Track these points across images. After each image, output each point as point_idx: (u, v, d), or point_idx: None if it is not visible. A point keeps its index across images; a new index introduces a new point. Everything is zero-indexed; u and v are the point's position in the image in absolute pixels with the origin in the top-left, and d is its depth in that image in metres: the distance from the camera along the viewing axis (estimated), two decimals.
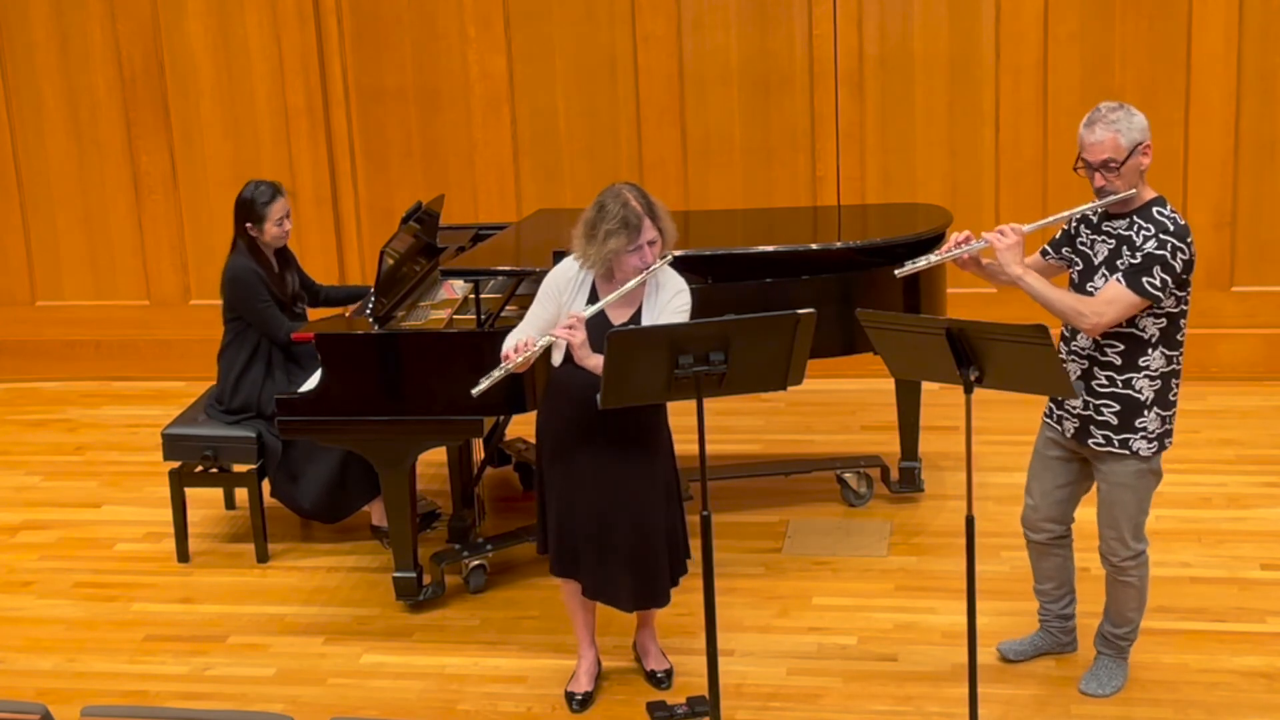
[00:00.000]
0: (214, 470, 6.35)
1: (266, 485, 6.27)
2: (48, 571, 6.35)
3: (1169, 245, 4.57)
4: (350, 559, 6.30)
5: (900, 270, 4.78)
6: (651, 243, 4.82)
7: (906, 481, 6.52)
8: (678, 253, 5.29)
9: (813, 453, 7.01)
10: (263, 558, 6.30)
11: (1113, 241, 4.70)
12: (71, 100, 8.23)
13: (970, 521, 4.57)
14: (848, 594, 5.80)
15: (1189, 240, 4.61)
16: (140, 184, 8.28)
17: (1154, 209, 4.65)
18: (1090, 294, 4.70)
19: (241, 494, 6.58)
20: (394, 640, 5.67)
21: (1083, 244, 4.81)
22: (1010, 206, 7.57)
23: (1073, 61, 7.47)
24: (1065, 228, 4.90)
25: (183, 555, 6.34)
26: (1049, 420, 4.97)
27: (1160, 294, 4.58)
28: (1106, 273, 4.69)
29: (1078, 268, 4.81)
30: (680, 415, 5.06)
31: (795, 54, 7.67)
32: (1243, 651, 5.26)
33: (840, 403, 7.54)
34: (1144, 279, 4.57)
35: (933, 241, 6.04)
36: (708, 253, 6.01)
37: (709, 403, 4.60)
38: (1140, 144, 4.61)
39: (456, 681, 5.39)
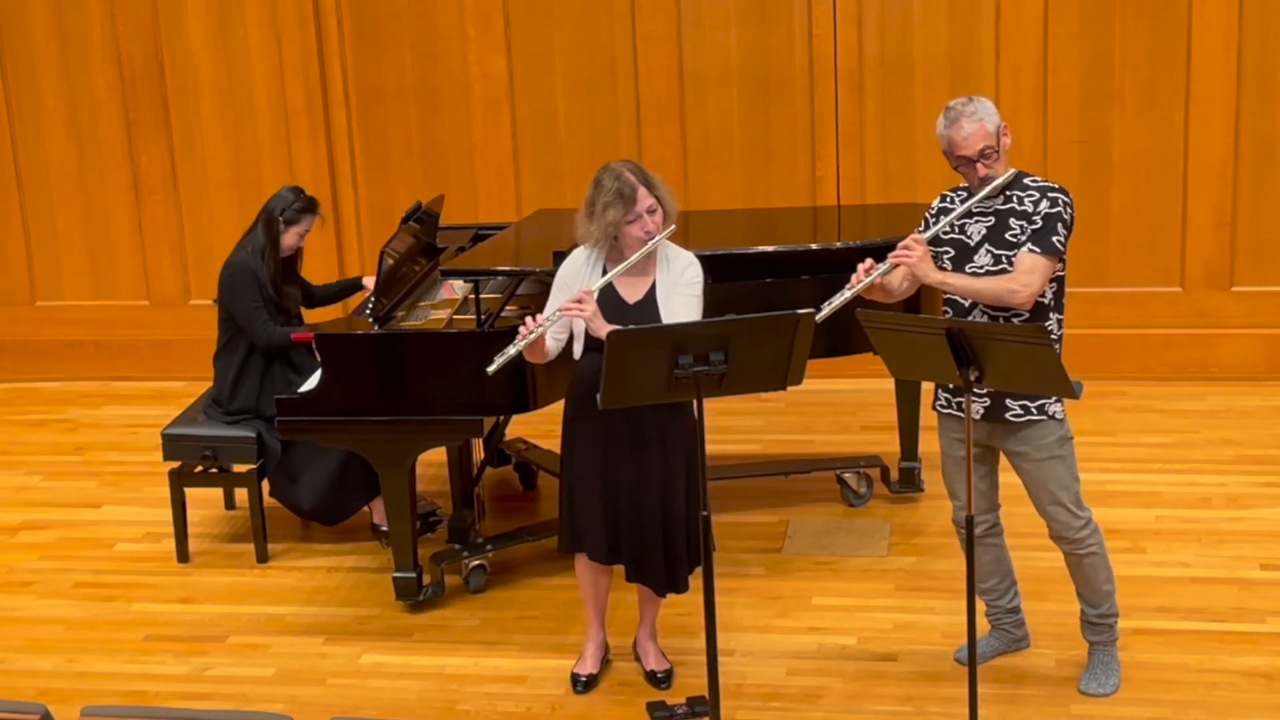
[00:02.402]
0: (214, 470, 6.35)
1: (266, 485, 6.27)
2: (48, 571, 6.35)
3: (1059, 202, 4.75)
4: (350, 559, 6.30)
5: (819, 315, 4.65)
6: (651, 211, 4.87)
7: (906, 481, 6.52)
8: None
9: (813, 453, 7.01)
10: (262, 558, 6.30)
11: (991, 218, 4.80)
12: (71, 100, 8.23)
13: (970, 521, 4.58)
14: (848, 594, 5.80)
15: (1069, 194, 4.80)
16: (140, 184, 8.28)
17: (1024, 179, 4.82)
18: (972, 275, 4.79)
19: (241, 494, 6.58)
20: (394, 640, 5.67)
21: (947, 232, 4.88)
22: None
23: (1073, 61, 7.47)
24: (919, 229, 4.96)
25: (183, 555, 6.34)
26: (948, 412, 4.97)
27: (1065, 248, 4.74)
28: (991, 248, 4.78)
29: (949, 255, 4.88)
30: None
31: (795, 54, 7.67)
32: (1243, 651, 5.26)
33: (840, 403, 7.54)
34: (1052, 239, 4.71)
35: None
36: (708, 253, 5.98)
37: (709, 403, 4.60)
38: (1001, 125, 4.79)
39: (456, 681, 5.39)
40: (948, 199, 4.92)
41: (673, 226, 4.93)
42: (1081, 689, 5.05)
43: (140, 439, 7.56)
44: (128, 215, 8.34)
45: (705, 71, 7.77)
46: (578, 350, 4.99)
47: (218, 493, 6.75)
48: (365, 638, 5.70)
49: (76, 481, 7.23)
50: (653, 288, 4.95)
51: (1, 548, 6.58)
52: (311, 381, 5.87)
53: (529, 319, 4.82)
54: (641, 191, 4.86)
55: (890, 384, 6.38)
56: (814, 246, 6.04)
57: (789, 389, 4.62)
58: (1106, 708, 4.99)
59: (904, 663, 5.31)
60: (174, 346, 8.37)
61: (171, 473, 6.29)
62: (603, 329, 4.76)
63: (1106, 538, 6.00)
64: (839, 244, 6.12)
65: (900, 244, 4.79)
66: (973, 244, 4.82)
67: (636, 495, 5.00)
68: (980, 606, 5.24)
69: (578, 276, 4.98)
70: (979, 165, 4.74)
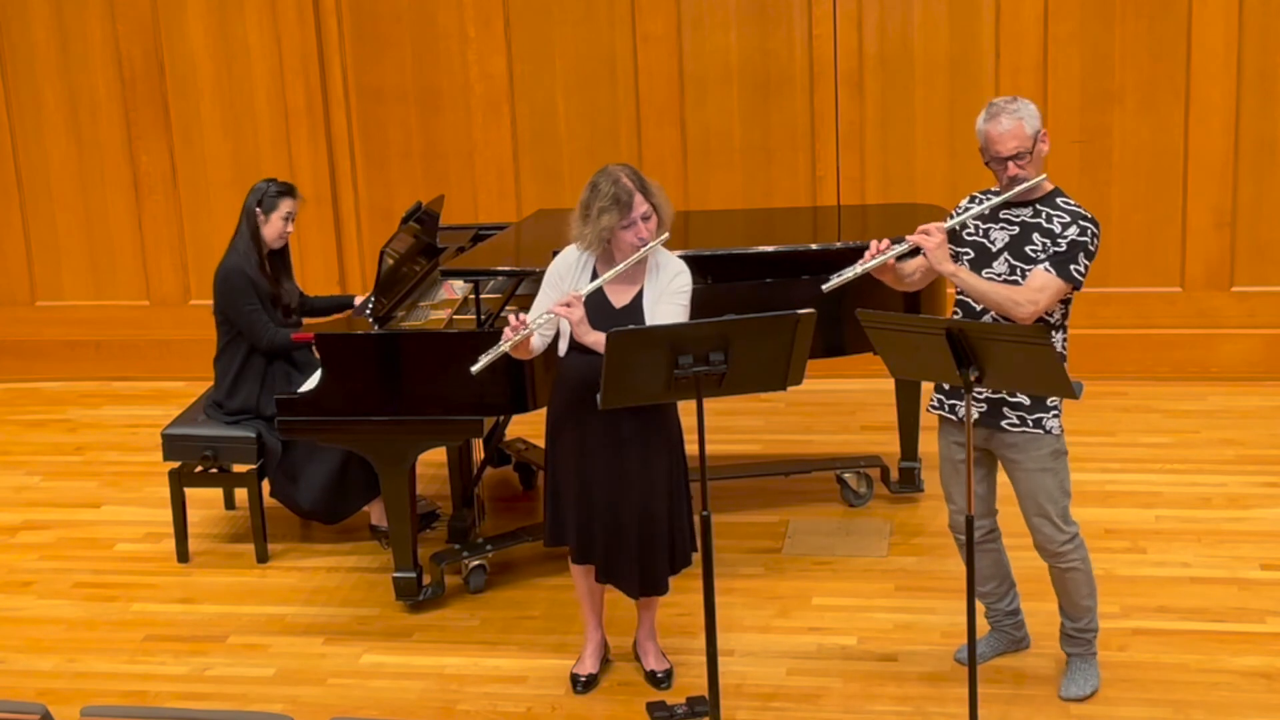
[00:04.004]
0: (214, 470, 6.35)
1: (266, 485, 6.27)
2: (48, 571, 6.35)
3: (1089, 232, 4.72)
4: (350, 559, 6.30)
5: (827, 285, 4.72)
6: (646, 217, 4.86)
7: (906, 481, 6.52)
8: (678, 253, 5.29)
9: (813, 453, 7.01)
10: (263, 558, 6.30)
11: (1015, 228, 4.78)
12: (71, 100, 8.23)
13: (970, 521, 4.58)
14: (848, 594, 5.80)
15: (1098, 225, 4.77)
16: (140, 184, 8.28)
17: (1057, 198, 4.78)
18: (988, 280, 4.77)
19: (241, 494, 6.58)
20: (394, 640, 5.67)
21: (970, 234, 4.86)
22: None
23: (1073, 61, 7.47)
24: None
25: (183, 555, 6.34)
26: (948, 416, 4.96)
27: (1083, 279, 4.72)
28: (1010, 258, 4.76)
29: (969, 257, 4.86)
30: (682, 415, 5.06)
31: (795, 54, 7.67)
32: (1243, 651, 5.26)
33: (840, 403, 7.54)
34: (1071, 266, 4.69)
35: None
36: (708, 253, 6.00)
37: (709, 403, 4.60)
38: (1040, 130, 4.75)
39: (456, 681, 5.39)
40: (976, 199, 4.88)
41: (666, 234, 4.91)
42: (1061, 694, 5.04)
43: (140, 439, 7.56)
44: (128, 215, 8.34)
45: (705, 71, 7.77)
46: (563, 348, 4.99)
47: (218, 493, 6.75)
48: (365, 638, 5.70)
49: (76, 481, 7.23)
50: (640, 293, 4.94)
51: (1, 548, 6.58)
52: (312, 381, 5.88)
53: (512, 317, 4.82)
54: (638, 198, 4.85)
55: (890, 384, 6.38)
56: (814, 246, 6.04)
57: (789, 389, 4.63)
58: (1107, 708, 4.99)
59: (904, 663, 5.31)
60: (174, 346, 8.37)
61: (171, 473, 6.29)
62: (587, 335, 4.76)
63: (1106, 538, 6.03)
64: (839, 244, 6.12)
65: (920, 227, 4.76)
66: (994, 249, 4.79)
67: (614, 497, 5.00)
68: (980, 607, 5.23)
69: (567, 276, 4.98)
70: (1009, 165, 4.71)
